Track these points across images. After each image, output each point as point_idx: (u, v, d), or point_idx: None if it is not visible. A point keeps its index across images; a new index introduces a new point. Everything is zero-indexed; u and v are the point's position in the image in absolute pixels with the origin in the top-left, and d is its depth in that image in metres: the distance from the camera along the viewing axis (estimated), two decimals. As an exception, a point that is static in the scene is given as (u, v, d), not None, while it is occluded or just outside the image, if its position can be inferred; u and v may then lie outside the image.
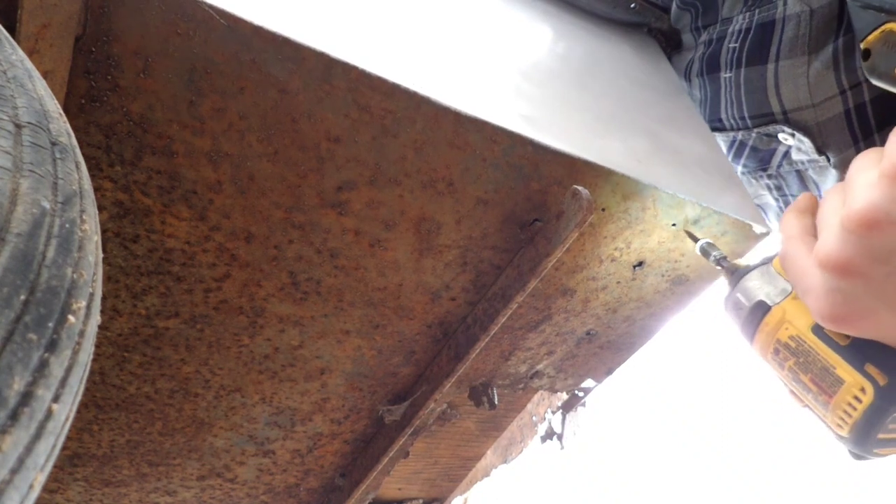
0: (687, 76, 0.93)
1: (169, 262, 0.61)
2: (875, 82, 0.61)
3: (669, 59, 0.98)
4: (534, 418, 1.02)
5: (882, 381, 0.41)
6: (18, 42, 0.43)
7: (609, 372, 0.92)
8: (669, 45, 1.00)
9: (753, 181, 0.90)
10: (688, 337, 3.52)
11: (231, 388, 0.77)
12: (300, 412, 0.84)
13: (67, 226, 0.27)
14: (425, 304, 0.71)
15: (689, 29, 0.92)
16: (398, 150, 0.56)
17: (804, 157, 0.80)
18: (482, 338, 0.69)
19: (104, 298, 0.62)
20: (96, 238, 0.30)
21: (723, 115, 0.86)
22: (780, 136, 0.80)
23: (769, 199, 0.91)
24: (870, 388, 0.41)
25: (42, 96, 0.31)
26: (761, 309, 0.49)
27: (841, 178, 0.78)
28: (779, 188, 0.88)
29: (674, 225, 0.66)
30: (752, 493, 3.32)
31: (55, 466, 0.82)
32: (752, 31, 0.79)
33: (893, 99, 0.63)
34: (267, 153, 0.54)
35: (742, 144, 0.86)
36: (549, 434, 1.00)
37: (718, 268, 0.57)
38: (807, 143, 0.77)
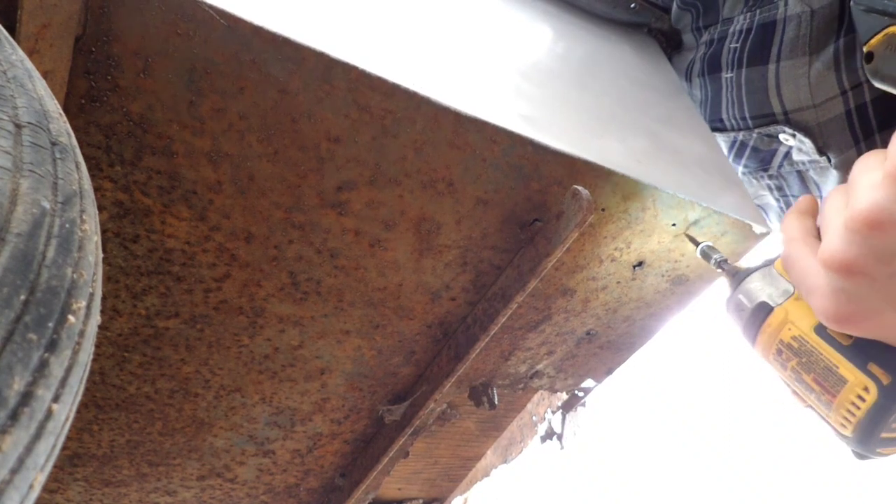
0: (688, 76, 0.93)
1: (169, 262, 0.61)
2: (878, 85, 0.61)
3: (670, 59, 0.98)
4: (534, 418, 1.02)
5: (885, 380, 0.41)
6: (18, 42, 0.43)
7: (609, 372, 0.92)
8: (670, 45, 1.00)
9: (754, 181, 0.90)
10: (688, 337, 3.52)
11: (231, 388, 0.77)
12: (300, 412, 0.84)
13: (67, 226, 0.27)
14: (425, 304, 0.71)
15: (689, 29, 0.92)
16: (398, 150, 0.56)
17: (805, 158, 0.80)
18: (482, 338, 0.69)
19: (104, 298, 0.62)
20: (96, 238, 0.30)
21: (724, 116, 0.86)
22: (781, 136, 0.80)
23: (770, 199, 0.91)
24: (873, 388, 0.41)
25: (42, 96, 0.31)
26: (763, 310, 0.49)
27: (842, 178, 0.78)
28: (780, 189, 0.88)
29: (674, 225, 0.66)
30: (752, 494, 3.31)
31: (55, 466, 0.82)
32: (753, 32, 0.79)
33: (894, 100, 0.63)
34: (267, 153, 0.54)
35: (743, 145, 0.86)
36: (549, 434, 1.00)
37: (720, 271, 0.57)
38: (808, 144, 0.77)
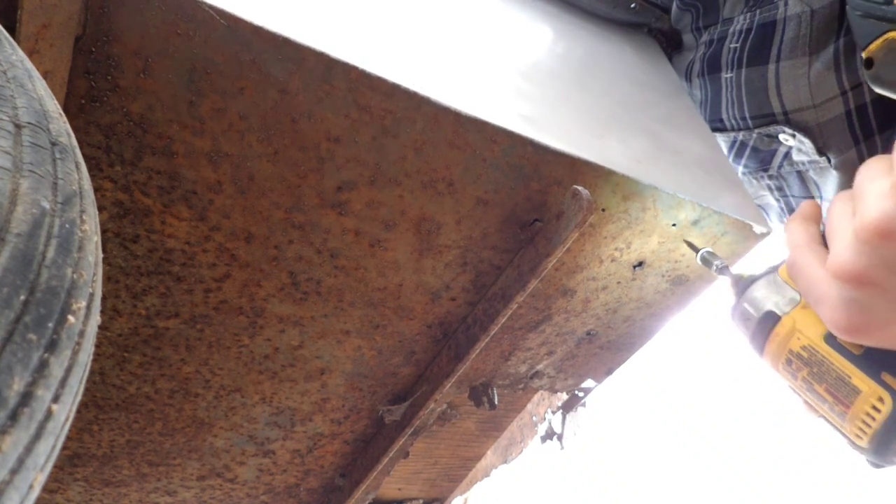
0: (688, 76, 0.93)
1: (169, 263, 0.61)
2: (879, 91, 0.60)
3: (670, 59, 0.98)
4: (534, 418, 1.02)
5: None
6: (18, 42, 0.43)
7: (609, 372, 0.92)
8: (670, 45, 1.00)
9: (754, 182, 0.90)
10: (688, 337, 3.52)
11: (231, 389, 0.77)
12: (300, 412, 0.84)
13: (67, 226, 0.27)
14: (425, 304, 0.71)
15: (689, 29, 0.92)
16: (398, 150, 0.56)
17: (805, 158, 0.80)
18: (482, 338, 0.69)
19: (104, 298, 0.62)
20: (96, 238, 0.30)
21: (724, 116, 0.86)
22: (781, 136, 0.80)
23: (770, 199, 0.91)
24: (888, 398, 0.41)
25: (42, 96, 0.31)
26: (771, 319, 0.48)
27: (842, 179, 0.78)
28: (780, 189, 0.88)
29: (674, 225, 0.66)
30: (753, 494, 3.31)
31: (55, 466, 0.82)
32: (753, 32, 0.79)
33: (895, 101, 0.63)
34: (267, 153, 0.54)
35: (743, 145, 0.86)
36: (549, 434, 1.00)
37: (721, 276, 0.56)
38: (807, 144, 0.77)
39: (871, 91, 0.71)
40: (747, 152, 0.87)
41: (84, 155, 0.46)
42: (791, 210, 0.89)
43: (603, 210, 0.63)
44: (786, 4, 0.75)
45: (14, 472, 0.22)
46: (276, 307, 0.67)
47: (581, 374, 0.91)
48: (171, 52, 0.47)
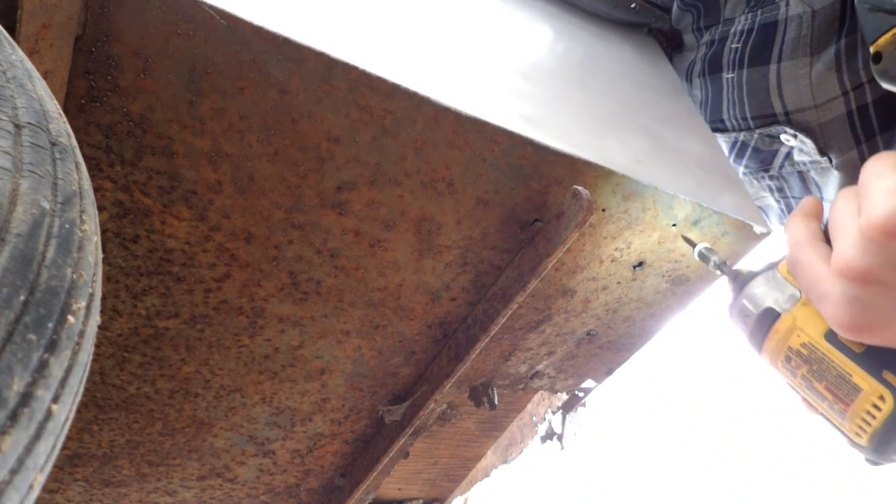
0: (688, 77, 0.93)
1: (169, 263, 0.61)
2: (886, 86, 0.59)
3: (670, 59, 0.98)
4: (534, 418, 1.02)
5: None
6: (18, 42, 0.42)
7: (609, 372, 0.92)
8: (670, 45, 1.00)
9: (755, 182, 0.90)
10: (688, 337, 3.52)
11: (231, 389, 0.77)
12: (300, 412, 0.84)
13: (67, 226, 0.27)
14: (425, 304, 0.71)
15: (690, 29, 0.92)
16: (398, 150, 0.56)
17: (806, 159, 0.80)
18: (482, 338, 0.69)
19: (104, 299, 0.62)
20: (96, 238, 0.30)
21: (724, 116, 0.86)
22: (782, 137, 0.80)
23: (770, 200, 0.91)
24: (889, 397, 0.41)
25: (42, 96, 0.31)
26: (770, 316, 0.48)
27: (843, 179, 0.78)
28: (780, 189, 0.88)
29: (674, 225, 0.66)
30: (753, 494, 3.31)
31: (55, 466, 0.82)
32: (754, 32, 0.79)
33: None
34: (267, 153, 0.54)
35: (744, 145, 0.86)
36: (550, 434, 0.99)
37: (719, 273, 0.56)
38: (809, 145, 0.77)
39: (872, 91, 0.71)
40: (748, 153, 0.87)
41: (84, 155, 0.47)
42: (791, 211, 0.89)
43: (603, 210, 0.63)
44: (787, 5, 0.75)
45: (14, 472, 0.22)
46: (276, 307, 0.67)
47: (581, 375, 0.91)
48: (171, 52, 0.47)
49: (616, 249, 0.68)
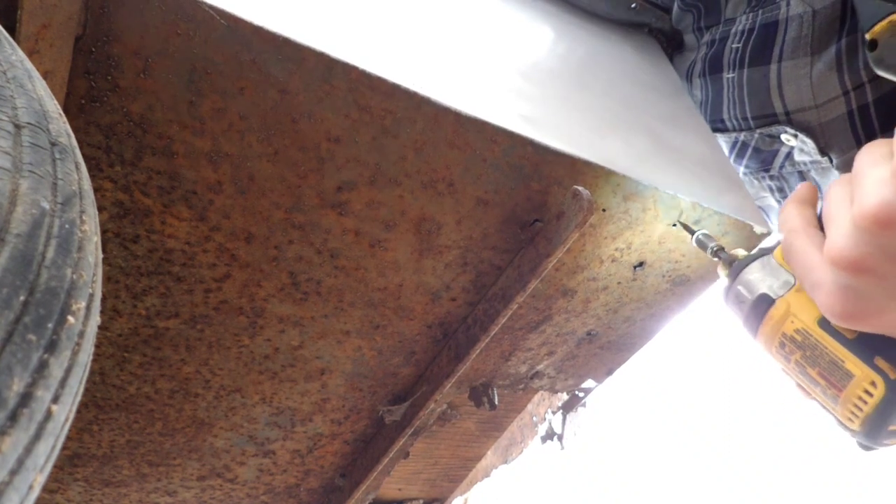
0: (689, 77, 0.93)
1: (169, 263, 0.61)
2: (882, 73, 0.59)
3: (671, 59, 0.98)
4: (534, 418, 1.02)
5: (893, 374, 0.41)
6: (18, 42, 0.42)
7: (609, 372, 0.92)
8: (670, 45, 1.00)
9: (755, 182, 0.90)
10: (688, 337, 3.52)
11: (231, 389, 0.77)
12: (300, 412, 0.84)
13: (67, 226, 0.27)
14: (425, 304, 0.71)
15: (691, 29, 0.92)
16: (398, 150, 0.56)
17: (807, 159, 0.80)
18: (482, 338, 0.69)
19: (104, 299, 0.62)
20: (96, 239, 0.30)
21: (725, 116, 0.86)
22: (783, 136, 0.80)
23: (771, 200, 0.91)
24: (881, 382, 0.41)
25: (42, 97, 0.31)
26: (765, 302, 0.48)
27: None
28: (780, 190, 0.88)
29: (674, 225, 0.66)
30: (753, 494, 3.31)
31: (55, 466, 0.82)
32: (755, 32, 0.79)
33: None
34: (267, 153, 0.54)
35: (744, 145, 0.86)
36: (550, 434, 0.99)
37: (716, 259, 0.56)
38: (809, 144, 0.77)
39: (873, 91, 0.71)
40: (749, 153, 0.86)
41: (84, 155, 0.46)
42: None
43: (603, 210, 0.63)
44: (788, 5, 0.75)
45: (14, 472, 0.22)
46: (276, 307, 0.67)
47: (581, 375, 0.91)
48: (171, 52, 0.47)
49: (616, 249, 0.68)
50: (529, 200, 0.62)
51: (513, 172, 0.59)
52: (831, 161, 0.77)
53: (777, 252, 0.50)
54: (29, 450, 0.23)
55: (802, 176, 0.84)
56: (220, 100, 0.50)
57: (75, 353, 0.26)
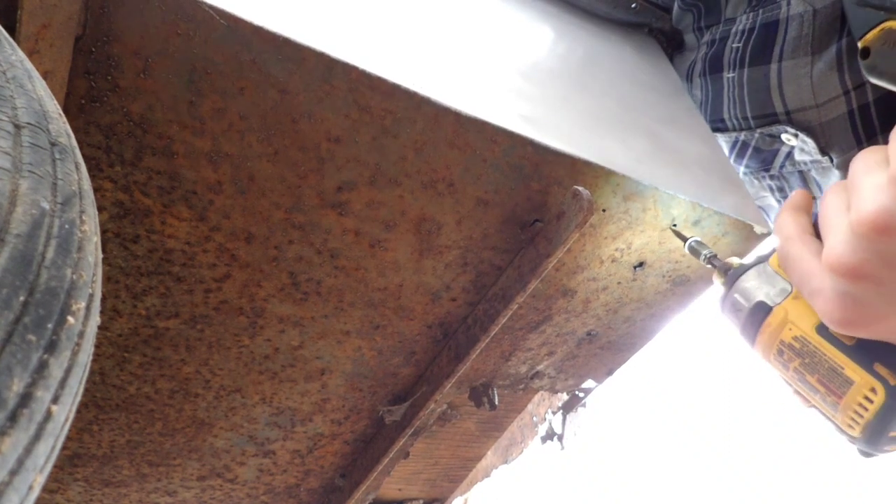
0: (689, 76, 0.93)
1: (169, 263, 0.61)
2: (874, 81, 0.60)
3: (671, 59, 0.98)
4: (534, 419, 1.02)
5: (893, 380, 0.41)
6: (18, 42, 0.42)
7: (610, 372, 0.92)
8: (671, 45, 1.00)
9: (756, 182, 0.90)
10: (688, 337, 3.52)
11: (231, 389, 0.77)
12: (300, 412, 0.84)
13: (67, 227, 0.27)
14: (426, 304, 0.71)
15: (691, 29, 0.92)
16: (398, 150, 0.55)
17: (807, 158, 0.80)
18: (482, 338, 0.69)
19: (104, 299, 0.62)
20: (96, 239, 0.30)
21: (725, 116, 0.86)
22: (783, 136, 0.80)
23: (771, 200, 0.91)
24: (881, 388, 0.41)
25: (42, 97, 0.31)
26: (762, 310, 0.48)
27: (844, 179, 0.78)
28: (781, 189, 0.88)
29: (675, 226, 0.66)
30: (753, 494, 3.31)
31: (55, 466, 0.82)
32: (755, 31, 0.79)
33: None
34: (267, 153, 0.54)
35: (745, 145, 0.86)
36: (550, 434, 0.99)
37: (710, 266, 0.56)
38: (810, 144, 0.77)
39: (873, 91, 0.71)
40: (749, 152, 0.86)
41: (84, 155, 0.46)
42: None
43: (603, 210, 0.63)
44: (788, 4, 0.75)
45: (13, 473, 0.22)
46: (276, 307, 0.67)
47: (581, 375, 0.91)
48: (171, 52, 0.47)
49: (616, 250, 0.68)
50: (529, 200, 0.61)
51: (513, 172, 0.59)
52: (832, 161, 0.77)
53: (773, 259, 0.50)
54: (29, 450, 0.23)
55: (803, 175, 0.84)
56: (220, 100, 0.50)
57: (75, 353, 0.26)
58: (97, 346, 0.65)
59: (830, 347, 0.44)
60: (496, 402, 0.86)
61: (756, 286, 0.49)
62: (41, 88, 0.32)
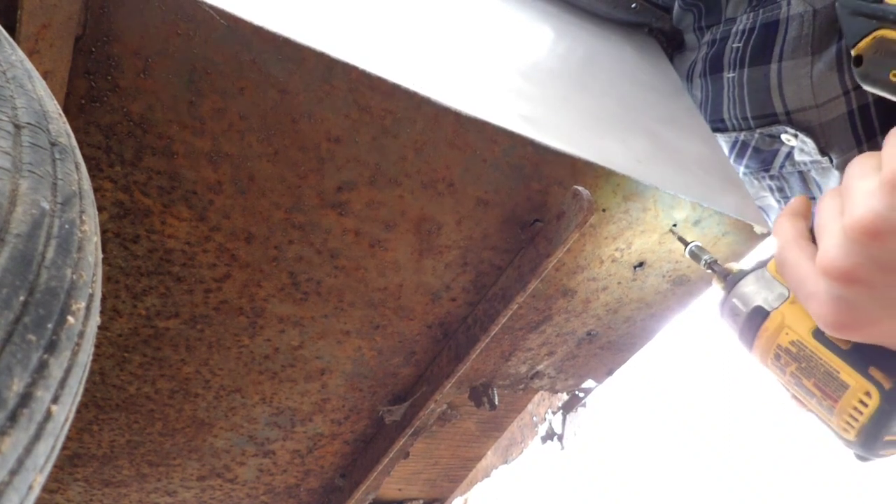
0: (689, 76, 0.93)
1: (169, 263, 0.61)
2: (868, 88, 0.61)
3: (671, 59, 0.98)
4: (534, 419, 1.02)
5: (887, 384, 0.41)
6: (18, 42, 0.42)
7: (610, 372, 0.92)
8: (671, 45, 1.00)
9: (755, 182, 0.90)
10: (688, 337, 3.52)
11: (231, 389, 0.77)
12: (300, 412, 0.84)
13: (67, 226, 0.27)
14: (425, 304, 0.71)
15: (691, 29, 0.92)
16: (398, 150, 0.55)
17: (807, 158, 0.80)
18: (482, 338, 0.69)
19: (104, 299, 0.62)
20: (96, 239, 0.30)
21: (725, 116, 0.86)
22: (783, 136, 0.80)
23: (771, 200, 0.91)
24: (875, 392, 0.41)
25: (42, 97, 0.31)
26: (759, 314, 0.49)
27: None
28: (781, 189, 0.88)
29: (674, 225, 0.66)
30: (753, 494, 3.31)
31: (55, 466, 0.82)
32: (755, 31, 0.79)
33: None
34: (267, 153, 0.54)
35: (744, 145, 0.86)
36: (550, 434, 0.99)
37: (709, 271, 0.57)
38: (810, 144, 0.77)
39: (873, 91, 0.71)
40: (749, 152, 0.86)
41: (84, 155, 0.46)
42: None
43: (603, 210, 0.63)
44: (788, 4, 0.75)
45: (13, 473, 0.22)
46: (276, 307, 0.67)
47: (581, 375, 0.91)
48: (171, 52, 0.47)
49: (616, 250, 0.68)
50: (529, 200, 0.61)
51: (513, 172, 0.59)
52: (832, 161, 0.77)
53: (771, 265, 0.50)
54: (29, 450, 0.23)
55: (802, 176, 0.84)
56: (220, 100, 0.50)
57: (75, 353, 0.26)
58: (97, 346, 0.65)
59: (826, 352, 0.44)
60: (496, 402, 0.86)
61: (754, 291, 0.50)
62: (41, 88, 0.32)
